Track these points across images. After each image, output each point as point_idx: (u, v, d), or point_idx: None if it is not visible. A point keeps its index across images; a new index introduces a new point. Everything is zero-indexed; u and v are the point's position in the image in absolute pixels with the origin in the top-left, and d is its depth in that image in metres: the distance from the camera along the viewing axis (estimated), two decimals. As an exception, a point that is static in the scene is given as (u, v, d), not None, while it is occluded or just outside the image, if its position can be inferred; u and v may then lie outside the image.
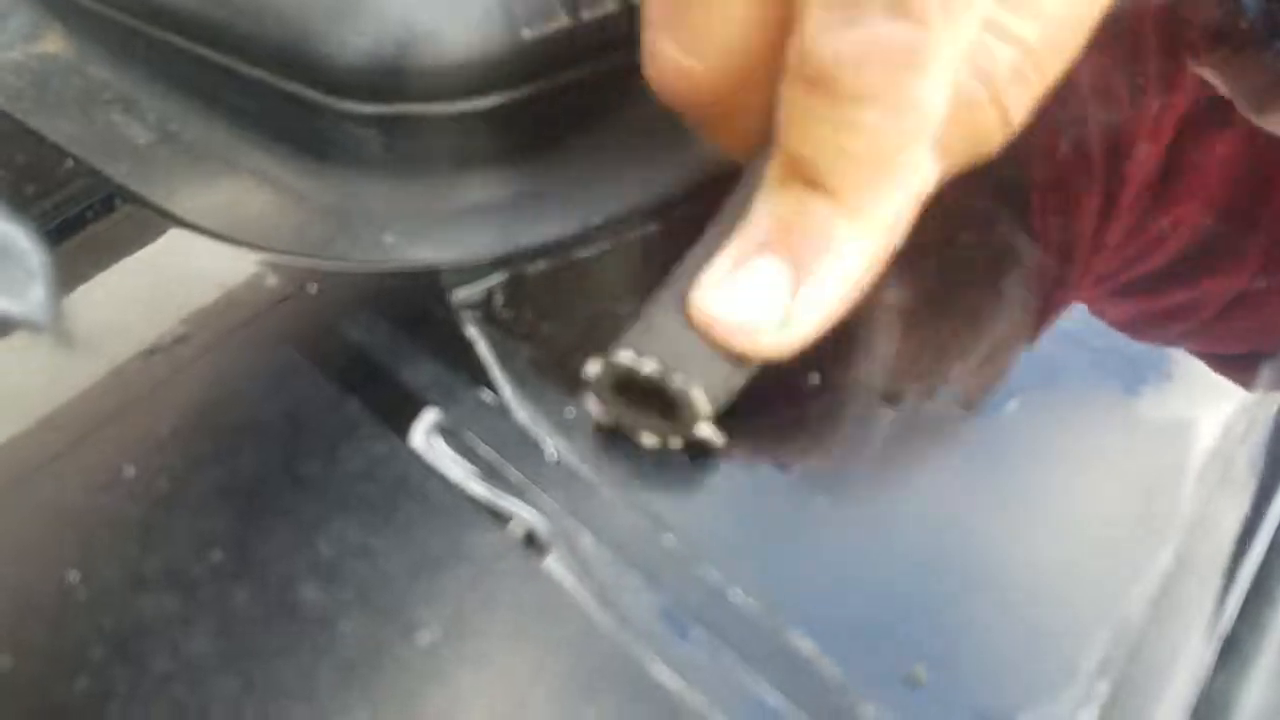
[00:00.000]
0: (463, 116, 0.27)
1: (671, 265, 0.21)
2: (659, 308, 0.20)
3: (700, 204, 0.26)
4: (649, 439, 0.20)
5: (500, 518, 0.19)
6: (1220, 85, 0.32)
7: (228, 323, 0.23)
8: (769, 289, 0.19)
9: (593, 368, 0.20)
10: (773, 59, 0.19)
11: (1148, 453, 0.21)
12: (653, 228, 0.26)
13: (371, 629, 0.18)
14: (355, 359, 0.22)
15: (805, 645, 0.18)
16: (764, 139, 0.20)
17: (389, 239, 0.26)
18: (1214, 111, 0.32)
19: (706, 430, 0.19)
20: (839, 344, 0.21)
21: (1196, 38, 0.34)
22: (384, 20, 0.26)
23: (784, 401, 0.21)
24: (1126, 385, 0.22)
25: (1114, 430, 0.21)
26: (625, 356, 0.19)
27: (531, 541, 0.19)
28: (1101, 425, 0.21)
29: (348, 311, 0.23)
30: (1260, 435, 0.21)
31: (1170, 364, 0.22)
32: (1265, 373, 0.23)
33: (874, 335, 0.23)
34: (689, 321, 0.19)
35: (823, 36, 0.18)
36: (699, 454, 0.20)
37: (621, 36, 0.28)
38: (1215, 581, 0.19)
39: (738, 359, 0.19)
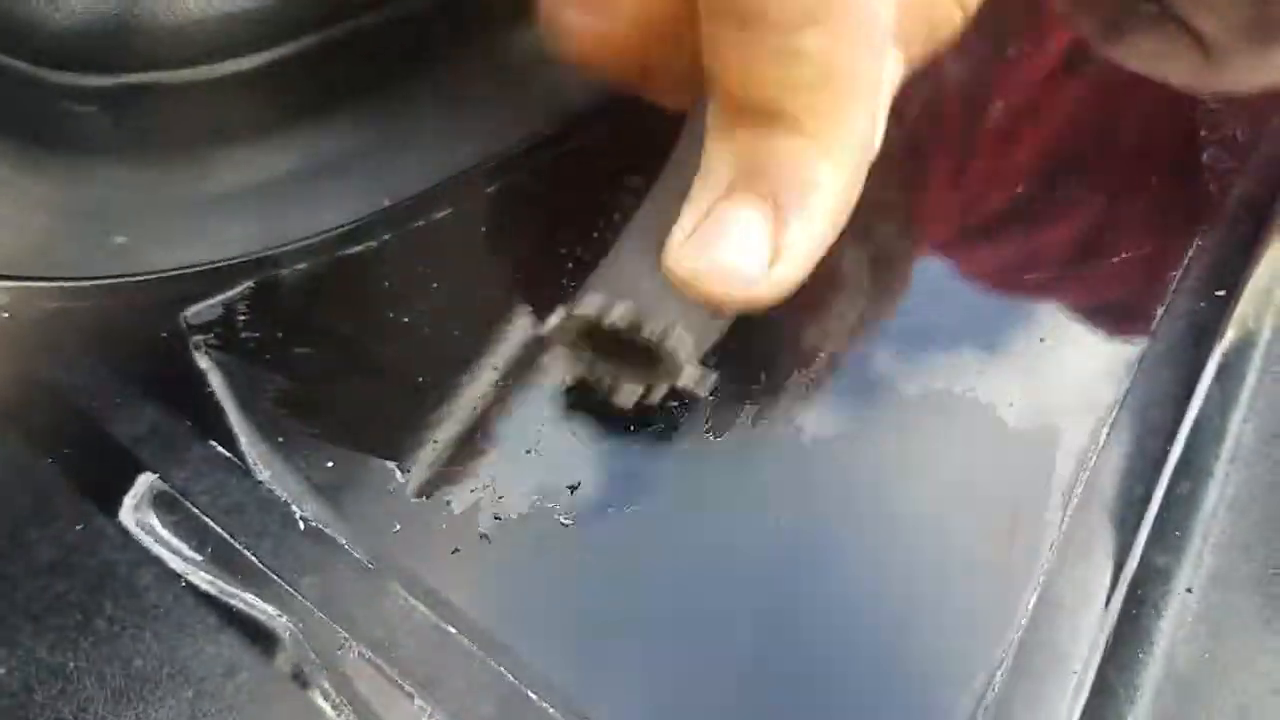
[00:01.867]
0: (209, 84, 0.22)
1: (468, 255, 0.18)
2: (622, 254, 0.17)
3: (504, 180, 0.22)
4: (628, 395, 0.17)
5: (232, 618, 0.15)
6: (1069, 15, 0.29)
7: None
8: (750, 233, 0.16)
9: (554, 320, 0.17)
10: (691, 4, 0.16)
11: (1009, 477, 0.17)
12: (445, 211, 0.21)
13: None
14: (55, 408, 0.17)
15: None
16: (699, 87, 0.17)
17: (119, 240, 0.21)
18: (1065, 53, 0.29)
19: (692, 376, 0.16)
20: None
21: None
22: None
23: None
24: (984, 400, 0.18)
25: (967, 456, 0.17)
26: (591, 304, 0.16)
27: (270, 650, 0.14)
28: (955, 449, 0.17)
29: (48, 344, 0.18)
30: (1121, 451, 0.17)
31: (1029, 375, 0.18)
32: (1129, 321, 0.19)
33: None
34: (668, 278, 0.16)
35: None
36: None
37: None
38: (1084, 622, 0.15)
39: (720, 308, 0.17)
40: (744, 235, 0.16)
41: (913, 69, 0.19)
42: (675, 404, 0.17)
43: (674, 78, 0.19)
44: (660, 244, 0.16)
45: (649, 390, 0.17)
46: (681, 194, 0.17)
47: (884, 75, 0.18)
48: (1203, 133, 0.23)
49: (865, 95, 0.17)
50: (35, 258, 0.20)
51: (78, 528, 0.16)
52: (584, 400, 0.17)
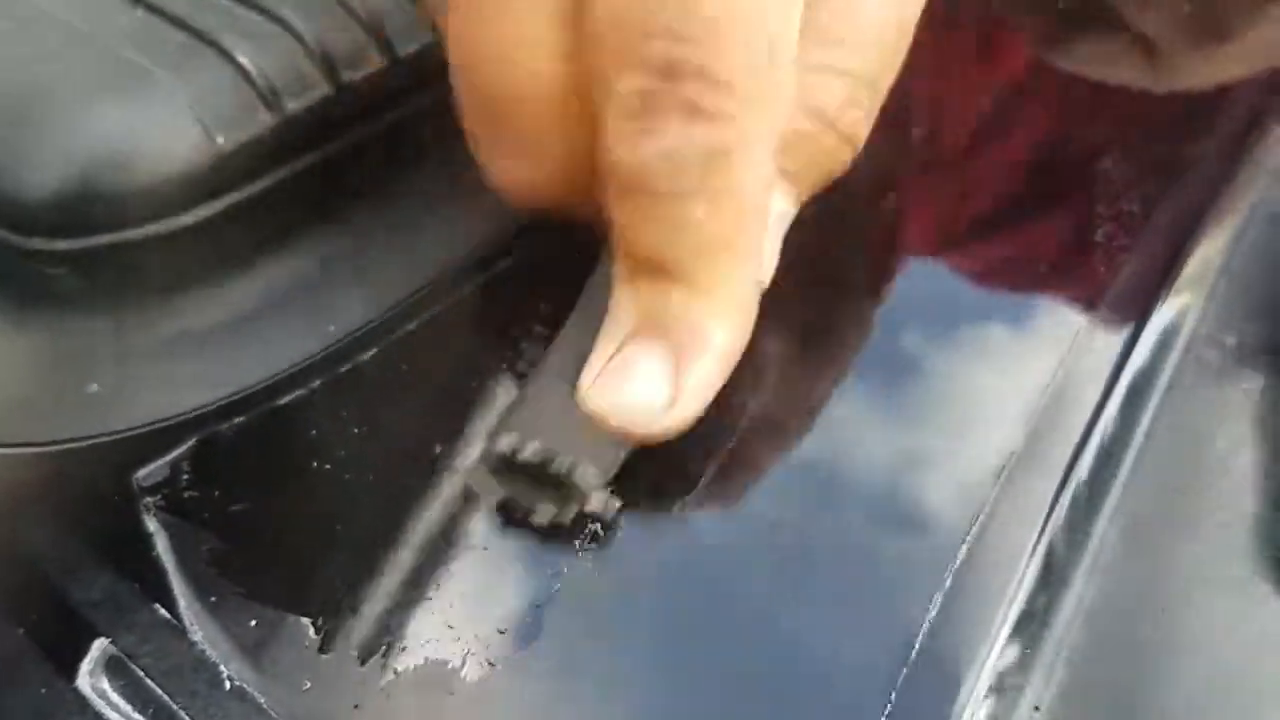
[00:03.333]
0: (167, 237, 0.24)
1: (388, 398, 0.21)
2: (534, 393, 0.20)
3: (428, 315, 0.23)
4: (543, 515, 0.19)
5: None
6: (1015, 20, 0.30)
7: None
8: (653, 375, 0.19)
9: (473, 458, 0.20)
10: None
11: (864, 606, 0.18)
12: (370, 353, 0.23)
13: None
14: (23, 576, 0.19)
15: None
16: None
17: (93, 388, 0.23)
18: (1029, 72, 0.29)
19: (598, 502, 0.19)
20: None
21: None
22: (62, 149, 0.22)
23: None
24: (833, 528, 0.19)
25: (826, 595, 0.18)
26: (507, 441, 0.18)
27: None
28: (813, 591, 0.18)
29: (18, 509, 0.20)
30: (977, 569, 0.18)
31: (886, 500, 0.19)
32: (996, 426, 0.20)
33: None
34: (581, 411, 0.19)
35: (623, 147, 0.18)
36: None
37: (334, 123, 0.25)
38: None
39: (625, 440, 0.19)
40: (647, 377, 0.19)
41: (805, 199, 0.21)
42: (587, 524, 0.19)
43: (596, 211, 0.21)
44: (570, 382, 0.19)
45: (560, 512, 0.19)
46: (588, 334, 0.20)
47: (770, 222, 0.20)
48: (1098, 209, 0.23)
49: (748, 255, 0.19)
50: (12, 421, 0.23)
51: (43, 692, 0.18)
52: (491, 543, 0.19)
